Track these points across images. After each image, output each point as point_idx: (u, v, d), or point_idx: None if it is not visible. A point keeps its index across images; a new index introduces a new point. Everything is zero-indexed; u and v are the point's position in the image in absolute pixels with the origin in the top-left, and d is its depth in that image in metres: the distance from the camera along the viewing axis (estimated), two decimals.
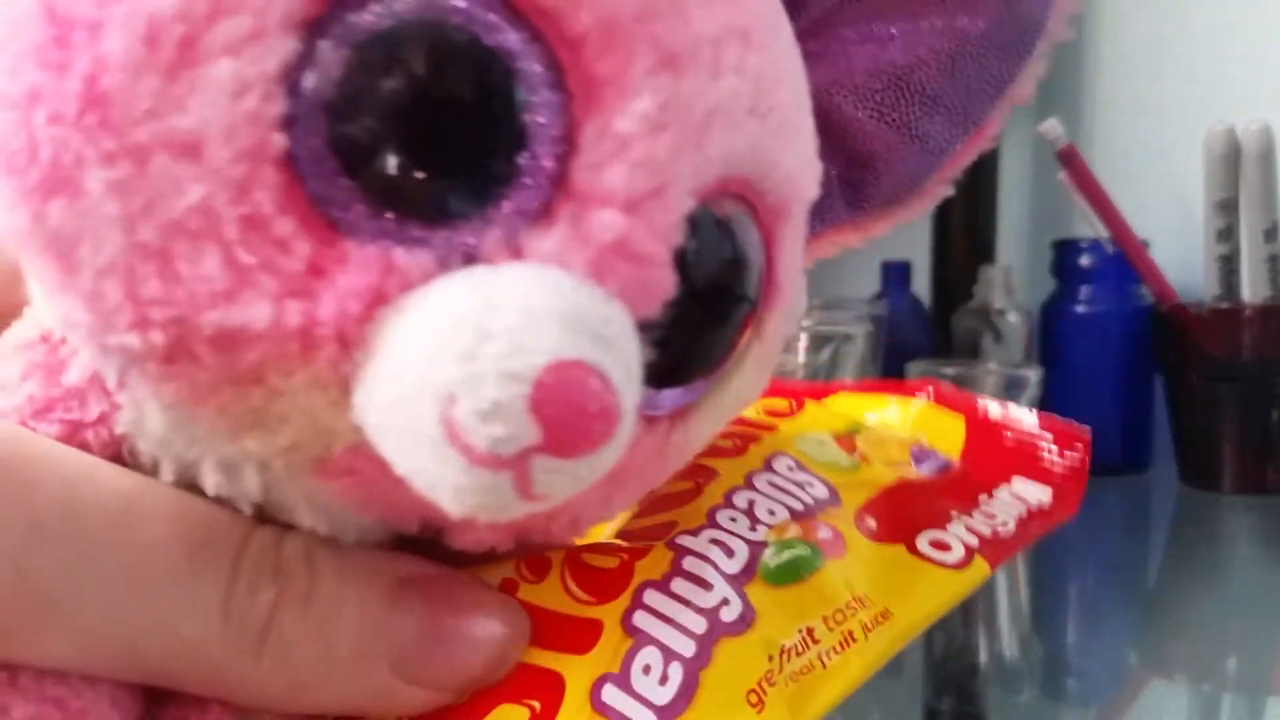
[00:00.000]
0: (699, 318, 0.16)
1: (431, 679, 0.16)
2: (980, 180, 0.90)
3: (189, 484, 0.16)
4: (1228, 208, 0.74)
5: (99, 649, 0.15)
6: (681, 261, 0.15)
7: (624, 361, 0.13)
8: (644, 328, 0.14)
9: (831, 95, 0.19)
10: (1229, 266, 0.75)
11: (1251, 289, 0.74)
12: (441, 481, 0.13)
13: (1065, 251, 0.82)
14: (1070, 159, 0.78)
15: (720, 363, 0.17)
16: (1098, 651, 0.46)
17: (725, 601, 0.18)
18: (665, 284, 0.15)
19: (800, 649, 0.18)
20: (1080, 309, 0.80)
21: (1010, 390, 0.60)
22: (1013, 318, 0.81)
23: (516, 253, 0.14)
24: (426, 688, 0.16)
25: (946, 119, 0.20)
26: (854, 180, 0.19)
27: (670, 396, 0.16)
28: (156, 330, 0.13)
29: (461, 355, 0.12)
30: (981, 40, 0.20)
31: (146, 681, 0.15)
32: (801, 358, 0.53)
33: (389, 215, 0.13)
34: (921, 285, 0.88)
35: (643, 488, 0.18)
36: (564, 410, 0.12)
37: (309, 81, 0.13)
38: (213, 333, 0.13)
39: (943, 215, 0.90)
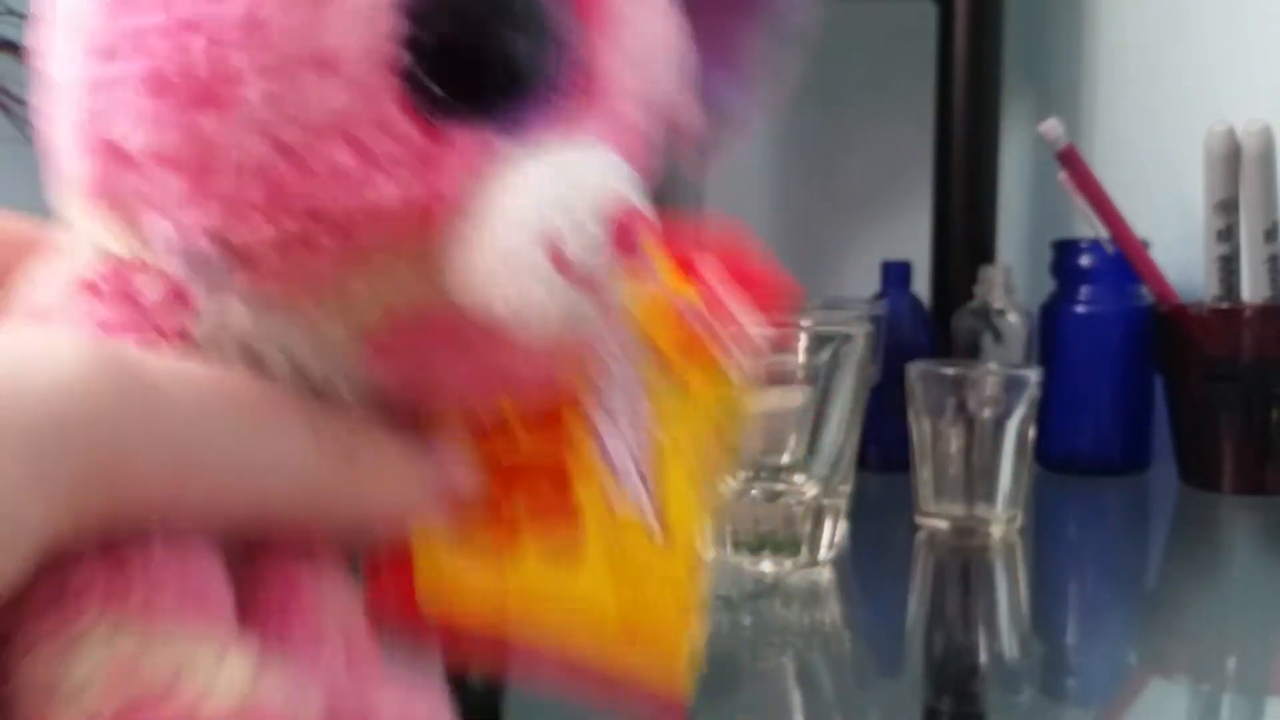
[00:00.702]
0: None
1: (440, 497, 0.20)
2: (980, 180, 0.90)
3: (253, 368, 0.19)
4: (1228, 208, 0.74)
5: (229, 491, 0.17)
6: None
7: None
8: None
9: None
10: (1229, 267, 0.75)
11: (1251, 289, 0.74)
12: (548, 305, 0.17)
13: (1065, 251, 0.82)
14: (1070, 159, 0.78)
15: None
16: (1098, 651, 0.46)
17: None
18: (654, 164, 0.20)
19: None
20: (1080, 309, 0.80)
21: (1010, 390, 0.60)
22: (1013, 318, 0.81)
23: (569, 135, 0.18)
24: (435, 505, 0.20)
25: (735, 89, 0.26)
26: None
27: None
28: (292, 219, 0.16)
29: (562, 205, 0.17)
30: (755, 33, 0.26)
31: (260, 519, 0.18)
32: (801, 358, 0.53)
33: (480, 112, 0.17)
34: (921, 285, 0.88)
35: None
36: (632, 239, 0.17)
37: (419, 9, 0.16)
38: (342, 216, 0.16)
39: (943, 215, 0.90)
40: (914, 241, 0.94)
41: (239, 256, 0.17)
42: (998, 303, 0.82)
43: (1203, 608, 0.53)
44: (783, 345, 0.54)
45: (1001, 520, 0.61)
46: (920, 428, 0.62)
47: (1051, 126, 0.77)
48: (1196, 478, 0.75)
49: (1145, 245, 0.79)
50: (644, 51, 0.19)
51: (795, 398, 0.53)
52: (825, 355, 0.53)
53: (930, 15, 0.91)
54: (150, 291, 0.18)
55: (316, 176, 0.16)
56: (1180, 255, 0.81)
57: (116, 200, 0.17)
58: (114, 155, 0.17)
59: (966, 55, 0.89)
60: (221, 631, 0.16)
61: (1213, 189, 0.74)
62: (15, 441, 0.15)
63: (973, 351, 0.82)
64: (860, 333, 0.54)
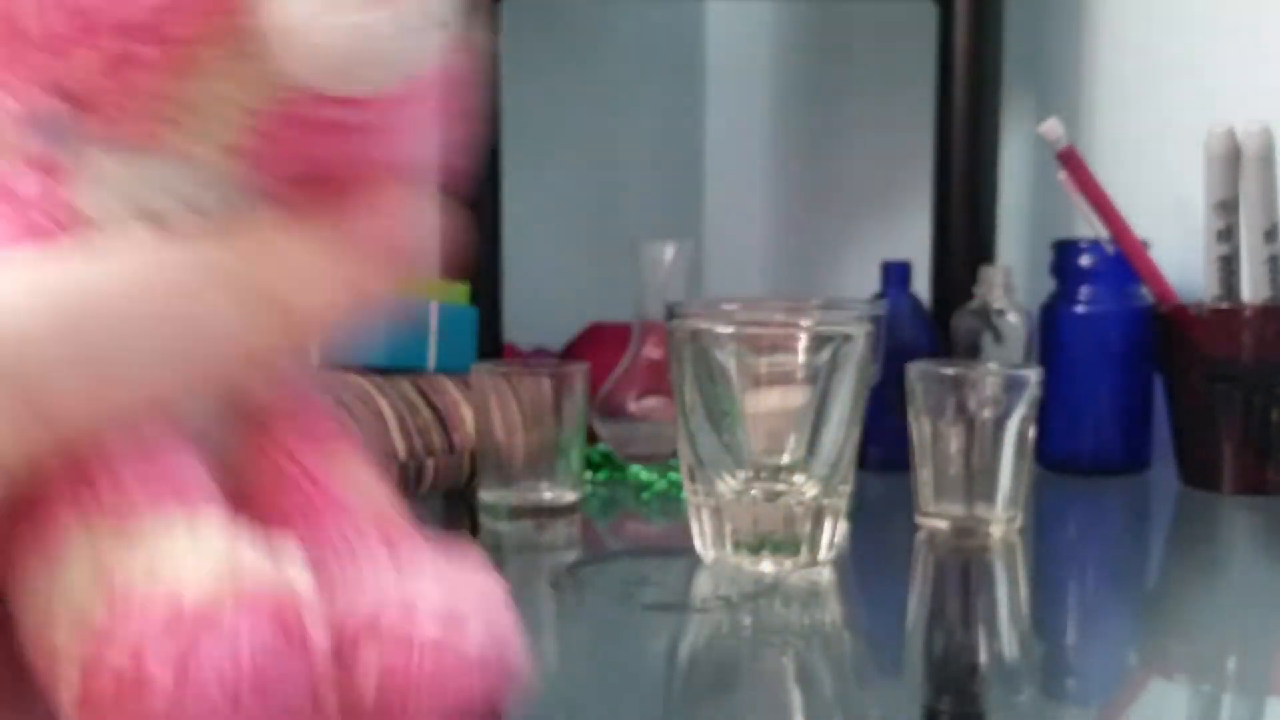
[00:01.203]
0: None
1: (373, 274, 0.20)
2: (980, 180, 0.90)
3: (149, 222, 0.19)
4: (1228, 208, 0.74)
5: (162, 378, 0.17)
6: None
7: None
8: None
9: None
10: (1229, 267, 0.75)
11: (1251, 290, 0.74)
12: (364, 47, 0.17)
13: (1065, 251, 0.82)
14: (1070, 159, 0.78)
15: None
16: (1098, 651, 0.46)
17: None
18: None
19: None
20: (1080, 309, 0.80)
21: (1010, 390, 0.60)
22: (1013, 318, 0.81)
23: None
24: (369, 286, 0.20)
25: None
26: None
27: None
28: (104, 39, 0.17)
29: None
30: None
31: (210, 385, 0.18)
32: (801, 358, 0.53)
33: None
34: (921, 285, 0.88)
35: None
36: None
37: None
38: (149, 19, 0.17)
39: (943, 215, 0.90)
40: (914, 241, 0.94)
41: (80, 101, 0.17)
42: (998, 303, 0.82)
43: (1203, 608, 0.53)
44: (783, 345, 0.54)
45: (1001, 520, 0.61)
46: (920, 428, 0.62)
47: (1051, 126, 0.77)
48: (1196, 478, 0.75)
49: (1145, 245, 0.79)
50: None
51: (795, 398, 0.53)
52: (825, 355, 0.53)
53: (930, 15, 0.91)
54: (23, 184, 0.18)
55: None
56: (1180, 255, 0.81)
57: None
58: None
59: (966, 55, 0.89)
60: (200, 513, 0.17)
61: (1213, 189, 0.74)
62: None
63: (973, 351, 0.82)
64: (860, 333, 0.54)
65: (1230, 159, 0.73)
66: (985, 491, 0.61)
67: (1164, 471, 0.78)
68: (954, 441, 0.61)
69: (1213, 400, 0.73)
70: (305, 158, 0.19)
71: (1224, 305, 0.74)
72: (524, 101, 1.00)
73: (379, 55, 0.17)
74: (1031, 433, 0.61)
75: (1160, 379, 0.79)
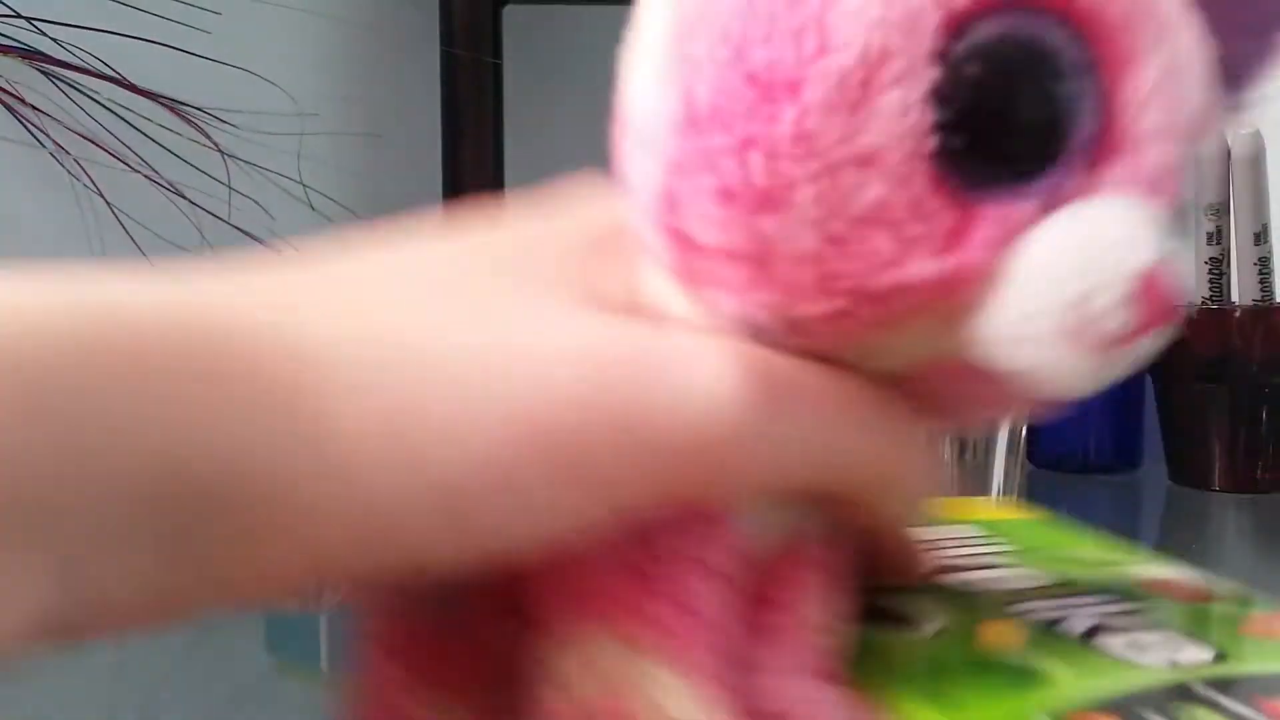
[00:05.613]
0: None
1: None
2: None
3: None
4: (1217, 211, 0.74)
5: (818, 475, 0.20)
6: None
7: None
8: None
9: None
10: (1219, 269, 0.75)
11: (1241, 291, 0.74)
12: (1061, 369, 0.18)
13: None
14: None
15: None
16: None
17: None
18: (1182, 194, 0.20)
19: None
20: None
21: None
22: None
23: (1090, 190, 0.18)
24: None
25: None
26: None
27: None
28: (838, 298, 0.18)
29: (1086, 268, 0.17)
30: None
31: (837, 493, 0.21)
32: None
33: (1003, 182, 0.18)
34: None
35: None
36: (1160, 299, 0.18)
37: (944, 96, 0.17)
38: (881, 291, 0.18)
39: None
40: None
41: (792, 326, 0.19)
42: None
43: None
44: None
45: None
46: None
47: None
48: (1186, 476, 0.76)
49: None
50: (1167, 82, 0.19)
51: None
52: None
53: None
54: None
55: (859, 260, 0.18)
56: None
57: (688, 276, 0.20)
58: (689, 246, 0.19)
59: None
60: (697, 665, 0.18)
61: (1202, 192, 0.75)
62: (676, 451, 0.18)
63: None
64: None
65: (1220, 162, 0.73)
66: (977, 490, 0.61)
67: (1154, 470, 0.79)
68: (946, 440, 0.61)
69: (1203, 400, 0.74)
70: (951, 394, 0.21)
71: (1214, 306, 0.75)
72: (526, 105, 1.01)
73: (1077, 386, 0.19)
74: (1023, 431, 0.62)
75: (1151, 379, 0.79)
